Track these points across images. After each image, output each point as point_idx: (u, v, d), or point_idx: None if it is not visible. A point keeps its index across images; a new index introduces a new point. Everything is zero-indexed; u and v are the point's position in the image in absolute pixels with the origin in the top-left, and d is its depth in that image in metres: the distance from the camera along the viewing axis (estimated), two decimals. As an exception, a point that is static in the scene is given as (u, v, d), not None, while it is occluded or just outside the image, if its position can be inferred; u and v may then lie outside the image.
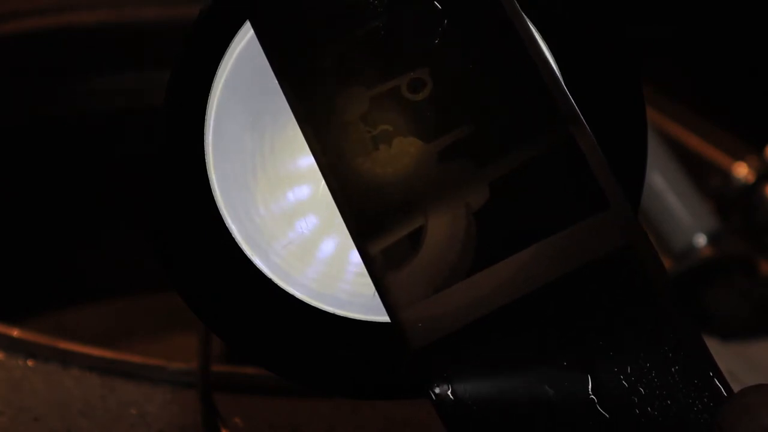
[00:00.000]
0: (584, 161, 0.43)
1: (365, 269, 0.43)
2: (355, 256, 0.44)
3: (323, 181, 0.43)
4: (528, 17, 0.46)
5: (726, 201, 0.99)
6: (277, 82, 0.44)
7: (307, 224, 0.47)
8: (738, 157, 1.01)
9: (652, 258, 0.43)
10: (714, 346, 0.77)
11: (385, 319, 0.43)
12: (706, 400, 0.42)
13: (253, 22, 0.44)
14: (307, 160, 0.45)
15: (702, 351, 0.43)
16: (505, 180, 0.43)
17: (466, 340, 0.42)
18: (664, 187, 0.93)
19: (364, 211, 0.43)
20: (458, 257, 0.43)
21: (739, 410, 0.41)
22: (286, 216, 0.47)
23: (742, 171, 0.99)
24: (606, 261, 0.43)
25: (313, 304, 0.46)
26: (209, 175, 0.46)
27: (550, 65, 0.44)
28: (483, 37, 0.44)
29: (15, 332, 0.68)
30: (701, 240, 0.92)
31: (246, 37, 0.46)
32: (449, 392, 0.42)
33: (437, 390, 0.42)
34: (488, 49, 0.44)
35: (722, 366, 0.74)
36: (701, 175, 1.00)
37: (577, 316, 0.43)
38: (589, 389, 0.43)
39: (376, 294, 0.43)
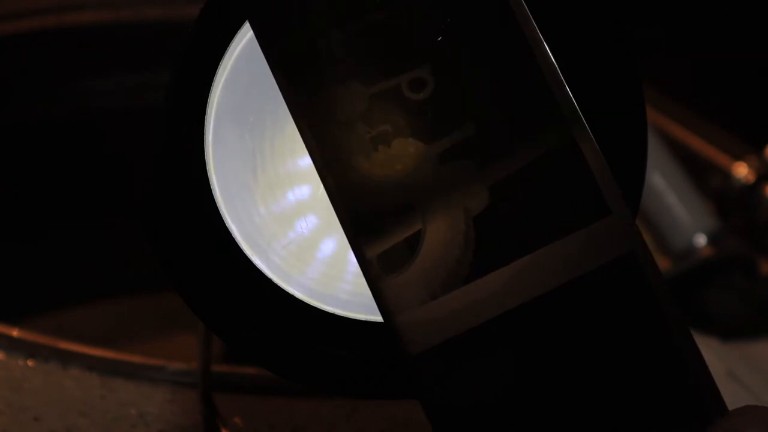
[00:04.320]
0: (586, 167, 0.43)
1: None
2: (355, 256, 0.44)
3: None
4: (528, 17, 0.46)
5: (726, 201, 0.99)
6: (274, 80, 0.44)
7: (307, 224, 0.47)
8: (738, 157, 1.01)
9: (654, 266, 0.43)
10: (714, 346, 0.77)
11: (385, 319, 0.43)
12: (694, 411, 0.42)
13: (251, 19, 0.44)
14: (308, 160, 0.44)
15: (699, 363, 0.42)
16: (506, 184, 0.43)
17: (464, 347, 0.42)
18: (664, 187, 0.93)
19: (362, 214, 0.43)
20: (457, 263, 0.43)
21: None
22: (286, 216, 0.47)
23: (742, 171, 0.99)
24: (607, 269, 0.43)
25: (313, 304, 0.46)
26: (209, 175, 0.46)
27: (555, 68, 0.43)
28: (486, 36, 0.43)
29: (15, 332, 0.68)
30: (701, 240, 0.92)
31: (246, 37, 0.46)
32: (444, 400, 0.42)
33: (431, 397, 0.42)
34: (491, 50, 0.43)
35: (722, 366, 0.74)
36: (701, 175, 1.00)
37: (577, 324, 0.42)
38: (591, 394, 0.42)
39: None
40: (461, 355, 0.42)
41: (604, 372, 0.42)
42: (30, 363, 0.67)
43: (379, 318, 0.45)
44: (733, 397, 0.69)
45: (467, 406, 0.42)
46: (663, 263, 0.94)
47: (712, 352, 0.75)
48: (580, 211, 0.43)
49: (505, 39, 0.43)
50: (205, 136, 0.46)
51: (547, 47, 0.43)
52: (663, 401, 0.42)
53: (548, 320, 0.42)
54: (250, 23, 0.44)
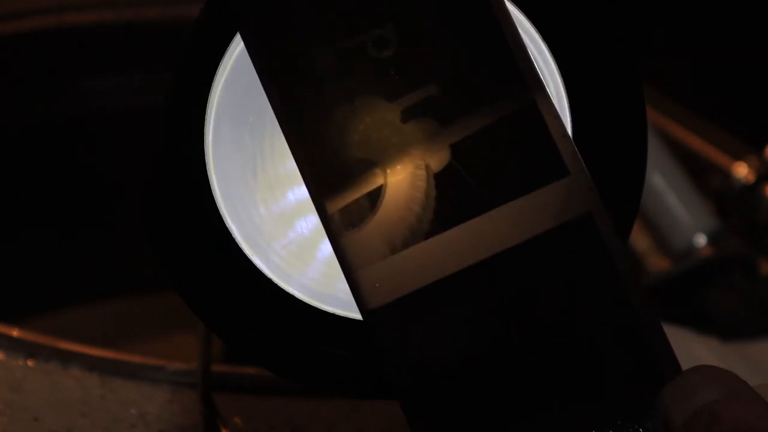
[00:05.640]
0: (546, 129, 0.43)
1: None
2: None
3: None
4: (527, 16, 0.46)
5: (726, 201, 0.99)
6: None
7: (307, 224, 0.47)
8: (738, 157, 1.01)
9: (610, 227, 0.43)
10: (714, 346, 0.77)
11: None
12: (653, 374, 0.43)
13: None
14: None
15: (653, 324, 0.43)
16: (467, 144, 0.44)
17: (422, 302, 0.43)
18: (664, 187, 0.93)
19: (324, 169, 0.43)
20: (417, 219, 0.43)
21: (676, 392, 0.41)
22: (286, 216, 0.47)
23: (742, 171, 0.99)
24: (564, 228, 0.43)
25: (313, 304, 0.46)
26: (209, 175, 0.46)
27: (518, 34, 0.44)
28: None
29: (15, 332, 0.68)
30: (701, 240, 0.92)
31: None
32: (402, 355, 0.42)
33: (390, 353, 0.42)
34: (455, 12, 0.44)
35: (722, 366, 0.74)
36: (701, 175, 1.00)
37: (535, 282, 0.43)
38: (547, 353, 0.43)
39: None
40: (420, 310, 0.43)
41: (559, 331, 0.43)
42: (30, 363, 0.67)
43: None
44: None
45: (426, 361, 0.42)
46: (663, 263, 0.94)
47: (712, 352, 0.75)
48: (539, 172, 0.43)
49: (470, 3, 0.44)
50: (205, 136, 0.46)
51: (511, 14, 0.44)
52: (617, 362, 0.43)
53: (506, 278, 0.43)
54: None
